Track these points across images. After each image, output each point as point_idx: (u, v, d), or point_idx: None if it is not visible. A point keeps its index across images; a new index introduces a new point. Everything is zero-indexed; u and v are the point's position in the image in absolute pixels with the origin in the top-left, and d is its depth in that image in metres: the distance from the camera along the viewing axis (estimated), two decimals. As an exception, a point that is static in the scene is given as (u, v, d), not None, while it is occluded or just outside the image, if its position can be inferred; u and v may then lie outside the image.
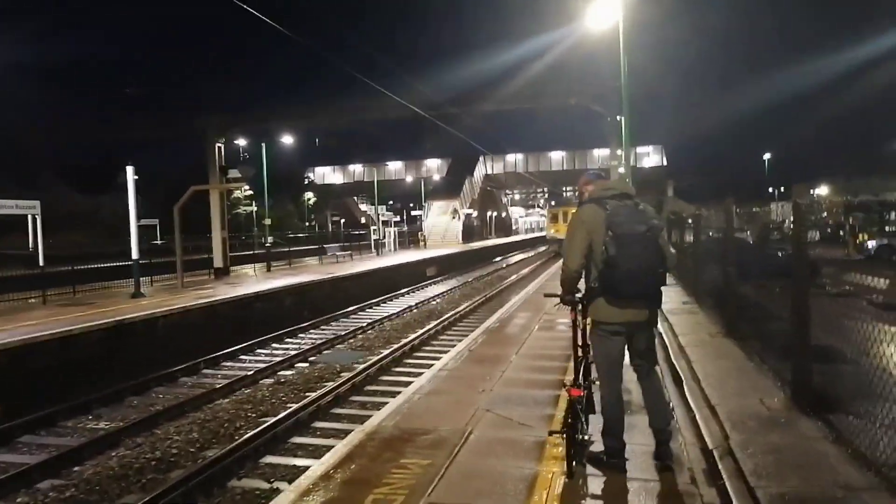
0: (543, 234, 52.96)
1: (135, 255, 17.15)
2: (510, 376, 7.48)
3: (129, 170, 16.76)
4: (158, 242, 38.02)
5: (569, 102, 23.77)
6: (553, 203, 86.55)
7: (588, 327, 4.59)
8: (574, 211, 4.72)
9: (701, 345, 8.17)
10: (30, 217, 26.62)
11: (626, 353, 4.52)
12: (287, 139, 31.61)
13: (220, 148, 24.40)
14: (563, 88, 23.39)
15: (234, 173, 21.92)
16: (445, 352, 12.64)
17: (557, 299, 4.54)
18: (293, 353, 13.86)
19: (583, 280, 4.49)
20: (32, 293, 17.17)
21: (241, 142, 31.01)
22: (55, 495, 6.90)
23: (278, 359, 13.27)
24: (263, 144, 28.71)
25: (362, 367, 11.89)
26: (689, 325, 9.46)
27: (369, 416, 9.05)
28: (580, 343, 4.74)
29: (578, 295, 4.44)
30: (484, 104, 23.84)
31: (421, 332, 15.38)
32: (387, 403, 6.67)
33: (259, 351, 14.55)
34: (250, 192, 49.67)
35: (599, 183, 4.56)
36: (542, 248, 54.44)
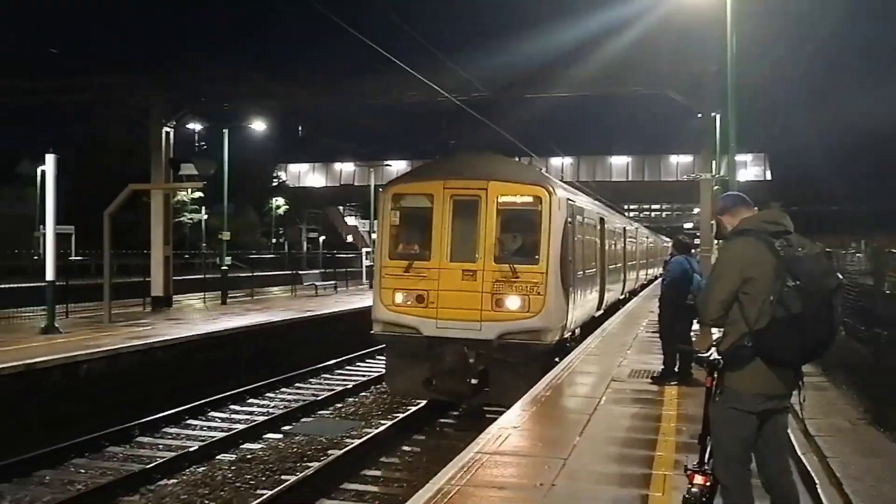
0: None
1: (50, 275, 17.33)
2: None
3: (50, 159, 17.03)
4: (75, 258, 38.30)
5: (651, 93, 23.98)
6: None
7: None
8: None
9: (838, 434, 8.15)
10: None
11: None
12: (258, 126, 31.91)
13: (168, 134, 24.73)
14: (643, 75, 23.59)
15: (187, 168, 22.14)
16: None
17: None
18: (259, 420, 14.03)
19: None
20: None
21: (196, 126, 31.37)
22: None
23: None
24: (226, 131, 28.97)
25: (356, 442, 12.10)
26: (818, 406, 9.40)
27: None
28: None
29: (713, 354, 4.53)
30: (539, 90, 24.05)
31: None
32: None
33: (213, 414, 14.79)
34: (199, 195, 49.95)
35: (763, 213, 4.76)
36: None
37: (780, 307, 4.23)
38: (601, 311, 19.41)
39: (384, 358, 15.14)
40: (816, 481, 6.72)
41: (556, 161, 69.15)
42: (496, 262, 12.99)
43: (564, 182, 22.02)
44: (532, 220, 13.31)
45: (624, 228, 26.67)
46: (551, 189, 13.46)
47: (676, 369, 11.25)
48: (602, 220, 19.83)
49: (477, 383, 12.58)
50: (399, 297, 13.37)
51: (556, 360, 13.45)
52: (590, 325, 17.56)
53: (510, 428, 8.66)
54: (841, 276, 4.60)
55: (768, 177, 67.62)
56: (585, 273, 16.13)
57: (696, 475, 4.55)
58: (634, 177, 70.68)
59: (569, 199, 14.69)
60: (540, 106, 30.93)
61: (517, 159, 16.16)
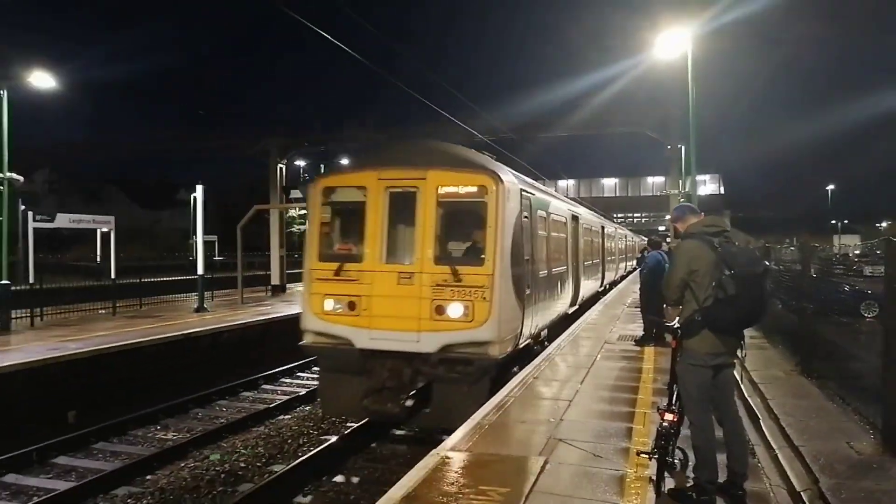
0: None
1: (200, 270, 17.75)
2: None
3: (199, 189, 17.44)
4: (217, 258, 39.09)
5: (631, 131, 23.66)
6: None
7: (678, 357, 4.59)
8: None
9: (775, 382, 7.97)
10: (99, 231, 28.02)
11: None
12: (344, 161, 32.45)
13: (282, 168, 25.18)
14: (625, 117, 23.34)
15: (295, 193, 22.56)
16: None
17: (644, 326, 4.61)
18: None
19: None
20: (98, 304, 17.88)
21: (301, 162, 31.98)
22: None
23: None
24: (322, 166, 29.52)
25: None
26: (760, 361, 9.22)
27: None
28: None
29: (675, 324, 4.51)
30: (547, 131, 23.90)
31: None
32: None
33: (316, 368, 14.86)
34: (304, 212, 50.51)
35: (703, 219, 4.69)
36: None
37: (719, 290, 4.25)
38: (576, 307, 14.82)
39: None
40: (759, 416, 6.61)
41: (562, 182, 68.72)
42: (436, 263, 8.31)
43: (568, 197, 20.12)
44: (477, 213, 8.45)
45: (602, 227, 21.21)
46: (499, 177, 8.45)
47: (653, 334, 11.09)
48: (575, 218, 14.83)
49: (413, 404, 8.06)
50: (329, 304, 8.64)
51: (515, 369, 9.22)
52: (570, 317, 13.95)
53: (530, 378, 8.60)
54: (768, 263, 4.54)
55: (722, 191, 66.14)
56: (552, 272, 11.45)
57: (667, 413, 4.52)
58: (620, 193, 69.69)
59: (523, 191, 9.47)
60: (549, 142, 30.74)
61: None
